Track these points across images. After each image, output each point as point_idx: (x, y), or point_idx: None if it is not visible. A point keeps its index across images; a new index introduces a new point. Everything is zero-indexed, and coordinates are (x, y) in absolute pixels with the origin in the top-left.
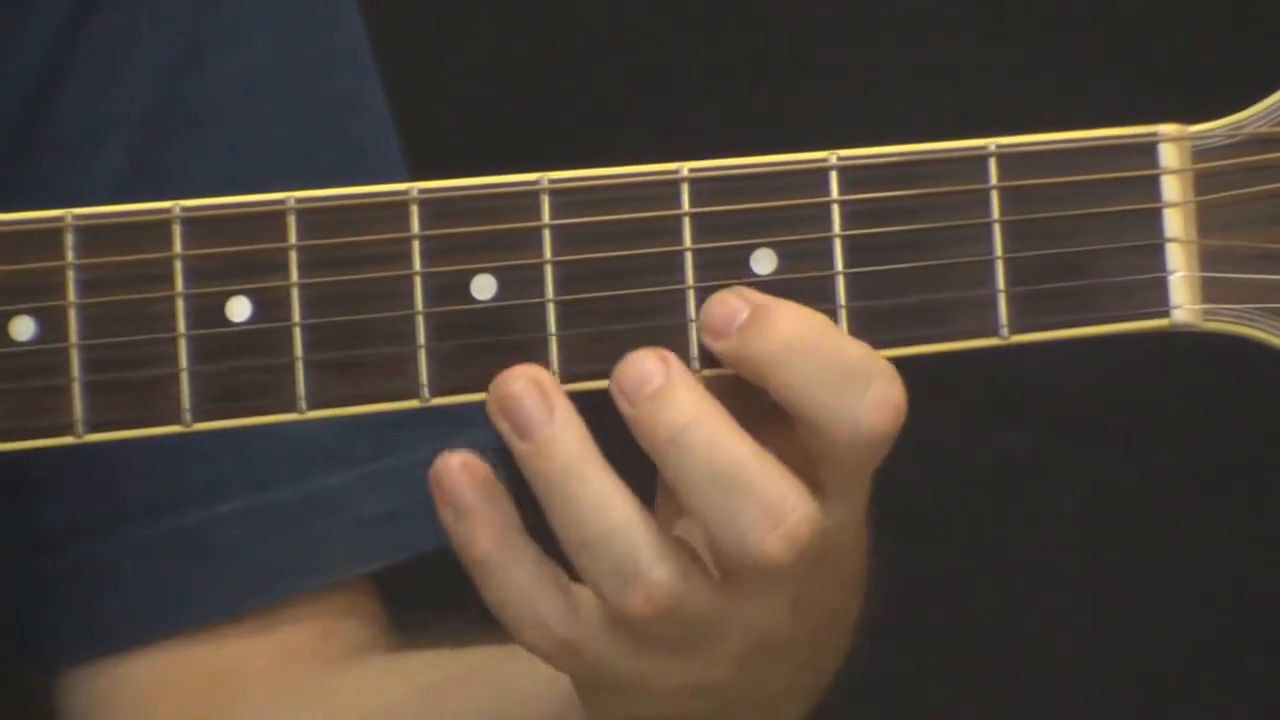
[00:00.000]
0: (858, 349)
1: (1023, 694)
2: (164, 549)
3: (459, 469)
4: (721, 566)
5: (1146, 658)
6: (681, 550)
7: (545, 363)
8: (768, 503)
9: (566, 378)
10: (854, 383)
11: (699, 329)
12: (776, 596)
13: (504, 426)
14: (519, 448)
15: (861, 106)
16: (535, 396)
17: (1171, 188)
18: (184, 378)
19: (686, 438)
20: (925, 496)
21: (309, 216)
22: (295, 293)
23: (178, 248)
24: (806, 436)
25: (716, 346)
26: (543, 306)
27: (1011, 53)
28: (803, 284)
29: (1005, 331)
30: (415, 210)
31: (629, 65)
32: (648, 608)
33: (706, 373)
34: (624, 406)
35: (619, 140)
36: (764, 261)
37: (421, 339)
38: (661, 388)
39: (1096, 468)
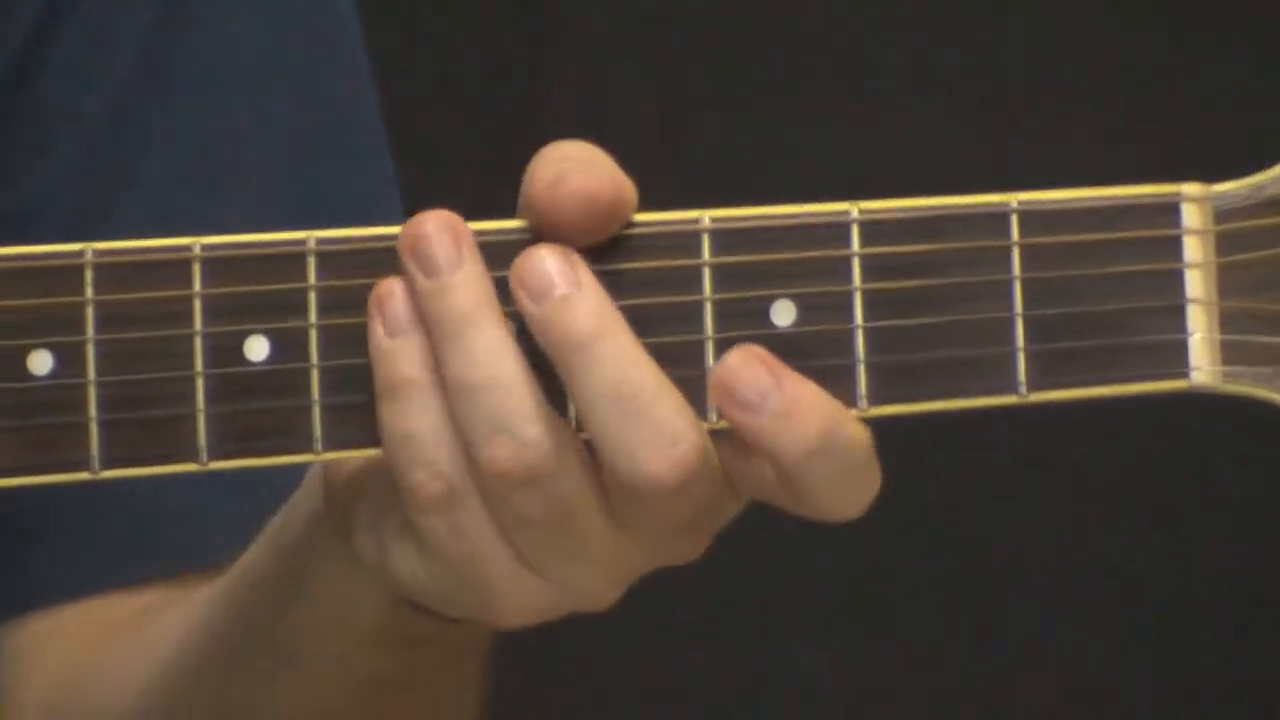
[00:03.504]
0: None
1: (1023, 694)
2: (67, 517)
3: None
4: (601, 480)
5: (1145, 659)
6: (562, 425)
7: (564, 410)
8: (661, 425)
9: None
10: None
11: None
12: (655, 521)
13: (410, 263)
14: (423, 285)
15: (871, 145)
16: (448, 238)
17: (1193, 248)
18: (201, 417)
19: (595, 349)
20: (924, 498)
21: (329, 258)
22: (314, 334)
23: (197, 286)
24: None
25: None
26: None
27: (1032, 106)
28: (822, 337)
29: (1023, 389)
30: None
31: (629, 66)
32: (514, 462)
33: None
34: (527, 304)
35: (617, 141)
36: (783, 313)
37: None
38: (571, 293)
39: (1097, 467)
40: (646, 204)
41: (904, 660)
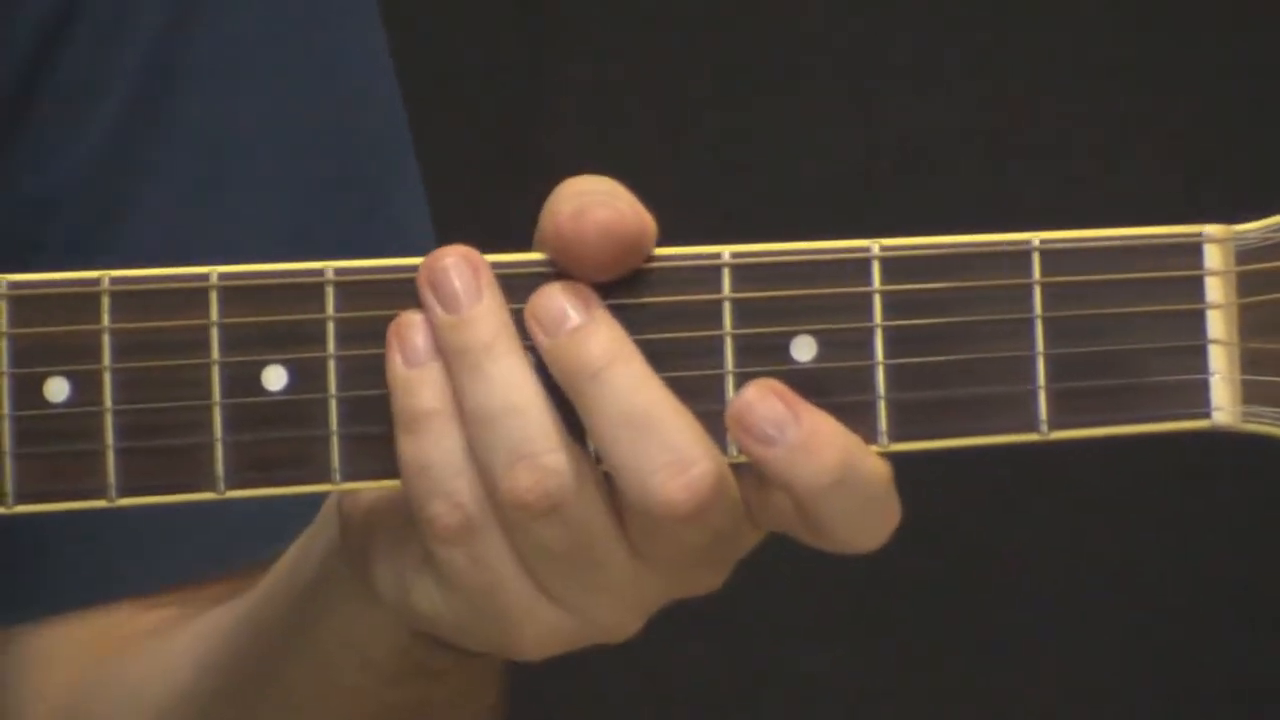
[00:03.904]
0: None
1: (1023, 695)
2: (85, 524)
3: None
4: (620, 509)
5: (1145, 659)
6: (582, 455)
7: (584, 446)
8: (676, 450)
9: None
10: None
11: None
12: (671, 546)
13: (429, 297)
14: (442, 319)
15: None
16: (467, 273)
17: (1215, 289)
18: (218, 446)
19: (608, 377)
20: (925, 500)
21: (347, 289)
22: (332, 364)
23: (215, 315)
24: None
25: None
26: None
27: (1032, 106)
28: (842, 373)
29: (1045, 428)
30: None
31: (629, 66)
32: (535, 492)
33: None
34: (540, 337)
35: (617, 141)
36: (804, 349)
37: None
38: (584, 325)
39: (1097, 468)
40: (647, 204)
41: (904, 661)
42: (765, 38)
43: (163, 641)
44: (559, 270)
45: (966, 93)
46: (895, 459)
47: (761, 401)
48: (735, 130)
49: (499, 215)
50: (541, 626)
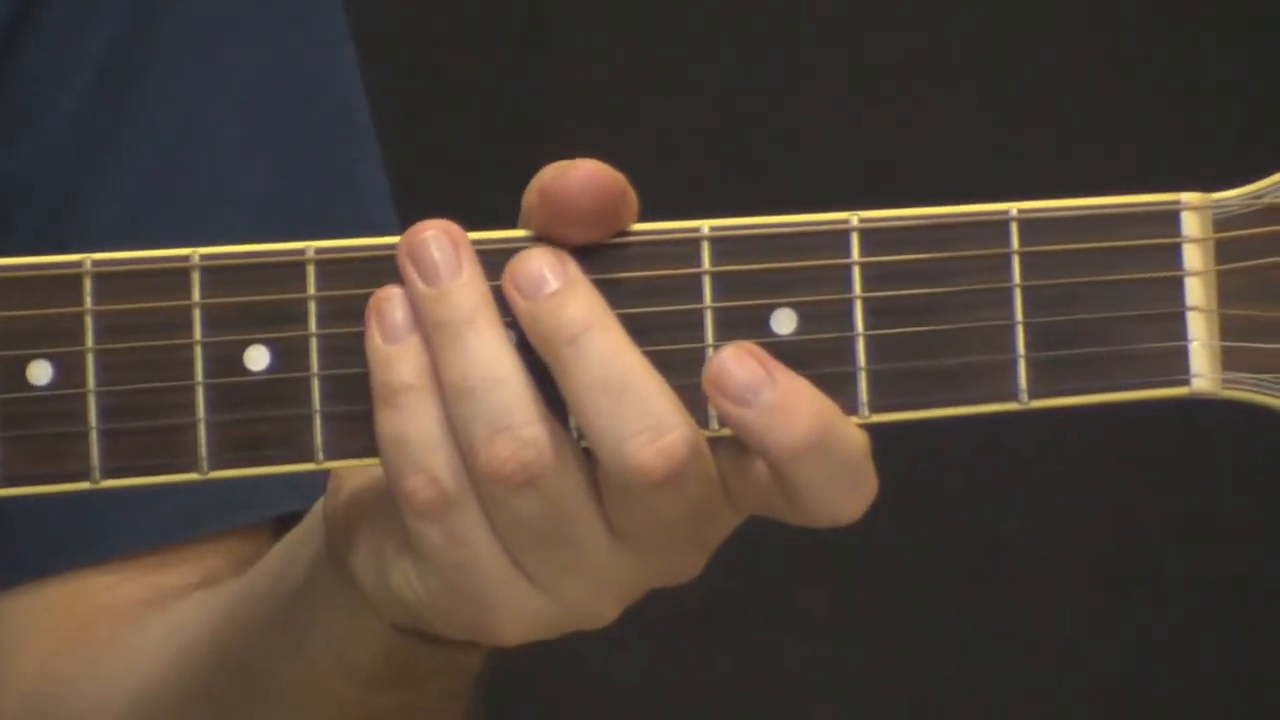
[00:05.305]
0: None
1: (1023, 694)
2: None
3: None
4: (598, 485)
5: (1145, 659)
6: (560, 428)
7: (564, 420)
8: (652, 415)
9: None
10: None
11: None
12: (648, 514)
13: (409, 270)
14: (422, 291)
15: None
16: (448, 246)
17: (1193, 256)
18: (201, 426)
19: (585, 341)
20: (924, 497)
21: (328, 267)
22: (314, 343)
23: (196, 296)
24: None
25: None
26: None
27: (1032, 106)
28: (822, 345)
29: (1025, 397)
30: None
31: (629, 68)
32: (514, 463)
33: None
34: (518, 301)
35: (617, 141)
36: (784, 321)
37: None
38: (562, 289)
39: (1099, 463)
40: (647, 204)
41: (904, 660)
42: (765, 37)
43: (136, 631)
44: (541, 238)
45: (967, 92)
46: (893, 450)
47: (737, 363)
48: (735, 130)
49: (498, 216)
50: (518, 609)
